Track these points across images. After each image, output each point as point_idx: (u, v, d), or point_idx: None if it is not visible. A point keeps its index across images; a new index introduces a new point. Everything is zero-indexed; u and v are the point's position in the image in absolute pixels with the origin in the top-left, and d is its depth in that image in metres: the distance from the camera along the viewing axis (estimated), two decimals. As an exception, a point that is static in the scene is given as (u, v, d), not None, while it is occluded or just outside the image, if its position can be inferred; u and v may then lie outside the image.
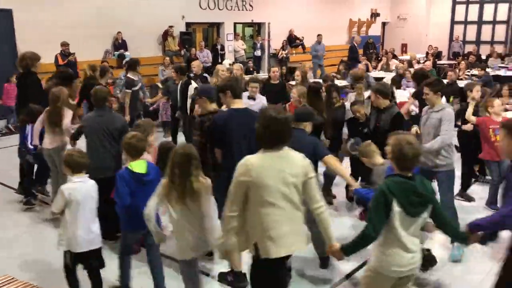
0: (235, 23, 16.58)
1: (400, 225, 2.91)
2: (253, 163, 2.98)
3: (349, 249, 3.07)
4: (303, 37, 18.06)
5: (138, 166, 3.79)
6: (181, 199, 3.35)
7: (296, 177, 3.01)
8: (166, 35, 14.05)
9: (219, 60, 14.91)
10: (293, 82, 8.78)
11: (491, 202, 5.99)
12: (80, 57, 11.53)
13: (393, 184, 2.92)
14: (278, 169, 2.97)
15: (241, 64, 9.55)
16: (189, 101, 7.92)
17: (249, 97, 6.74)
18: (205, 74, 9.34)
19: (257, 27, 17.74)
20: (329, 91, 6.22)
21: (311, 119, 4.43)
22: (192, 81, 8.05)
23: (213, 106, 4.55)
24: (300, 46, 18.11)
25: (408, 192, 2.90)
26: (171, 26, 14.02)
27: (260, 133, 3.02)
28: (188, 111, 7.99)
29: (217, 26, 16.24)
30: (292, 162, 3.03)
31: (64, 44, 11.32)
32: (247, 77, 9.52)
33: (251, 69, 13.59)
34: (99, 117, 4.98)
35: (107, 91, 5.29)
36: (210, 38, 16.49)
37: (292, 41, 17.91)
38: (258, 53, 16.79)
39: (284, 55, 17.06)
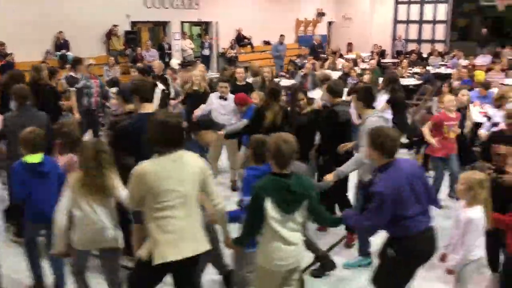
0: (182, 22, 16.36)
1: (276, 221, 3.03)
2: (147, 169, 2.98)
3: (237, 242, 3.34)
4: (251, 36, 18.10)
5: (33, 157, 3.76)
6: (91, 193, 3.37)
7: (192, 178, 3.06)
8: (110, 34, 13.67)
9: (167, 60, 14.67)
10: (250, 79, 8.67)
11: None
12: (18, 58, 11.01)
13: (267, 182, 3.05)
14: (174, 172, 2.99)
15: (203, 64, 9.33)
16: (156, 103, 7.84)
17: (221, 97, 6.68)
18: (166, 75, 9.13)
19: (205, 26, 17.59)
20: (293, 94, 5.93)
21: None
22: (158, 83, 7.95)
23: (130, 107, 4.51)
24: (248, 45, 18.14)
25: (281, 190, 3.01)
26: (115, 25, 13.65)
27: (152, 138, 3.05)
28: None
29: (164, 25, 15.96)
30: (187, 164, 3.06)
31: (0, 44, 10.78)
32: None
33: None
34: (19, 116, 4.86)
35: (27, 90, 5.12)
36: (156, 37, 16.18)
37: (241, 40, 17.90)
38: (206, 52, 16.65)
39: (233, 54, 17.02)
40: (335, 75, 11.82)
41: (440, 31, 21.36)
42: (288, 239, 3.07)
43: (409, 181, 3.21)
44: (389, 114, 7.05)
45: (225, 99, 6.64)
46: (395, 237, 3.31)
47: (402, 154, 8.27)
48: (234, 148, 6.81)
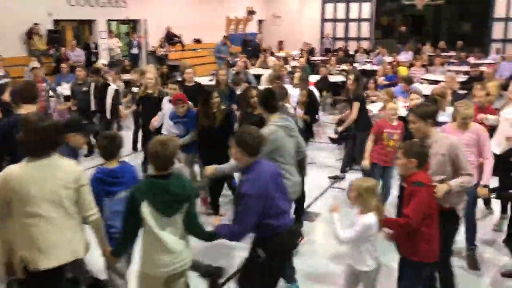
0: (108, 20, 15.83)
1: (156, 225, 2.96)
2: (14, 174, 2.85)
3: (115, 253, 3.23)
4: (181, 34, 17.86)
5: None
6: None
7: (65, 185, 2.94)
8: (31, 33, 12.95)
9: (93, 59, 14.15)
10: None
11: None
12: None
13: (144, 185, 3.00)
14: (44, 178, 2.88)
15: (152, 65, 8.94)
16: (108, 103, 7.50)
17: (170, 100, 6.28)
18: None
19: (133, 24, 17.14)
20: (244, 96, 5.53)
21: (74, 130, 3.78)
22: (111, 83, 7.67)
23: (20, 110, 4.32)
24: (179, 44, 17.89)
25: (160, 191, 2.94)
26: (36, 24, 12.95)
27: (23, 141, 2.92)
28: (109, 115, 7.56)
29: (89, 23, 15.37)
30: (60, 169, 2.95)
31: None
32: (128, 76, 9.09)
33: (128, 68, 13.07)
34: None
35: None
36: (81, 36, 15.55)
37: (171, 38, 17.61)
38: (135, 51, 16.22)
39: (163, 53, 16.73)
40: (267, 73, 11.95)
41: (365, 29, 22.18)
42: (169, 243, 2.99)
43: (273, 179, 3.26)
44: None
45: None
46: (264, 237, 3.28)
47: (332, 148, 8.52)
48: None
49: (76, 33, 15.42)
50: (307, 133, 6.69)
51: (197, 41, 19.35)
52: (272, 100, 4.13)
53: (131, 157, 7.95)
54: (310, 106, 6.85)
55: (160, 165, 2.99)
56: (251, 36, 19.95)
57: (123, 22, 17.20)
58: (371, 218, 3.34)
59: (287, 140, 4.05)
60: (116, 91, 7.78)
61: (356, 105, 6.71)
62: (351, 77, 6.88)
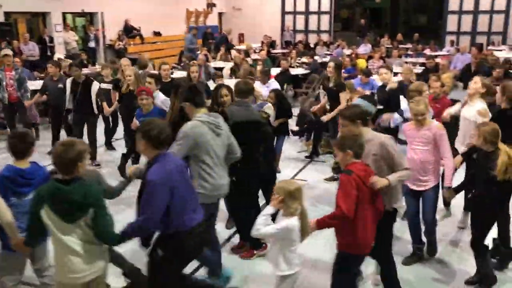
0: (63, 13, 15.36)
1: (58, 230, 2.85)
2: None
3: (27, 243, 3.14)
4: (140, 27, 17.53)
5: None
6: None
7: None
8: (-21, 26, 12.44)
9: (49, 53, 13.72)
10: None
11: None
12: None
13: (45, 188, 2.88)
14: None
15: (128, 59, 8.49)
16: (93, 100, 7.17)
17: None
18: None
19: (89, 17, 16.69)
20: (215, 93, 5.30)
21: None
22: (94, 80, 7.38)
23: None
24: (138, 37, 17.55)
25: (59, 198, 2.83)
26: (-15, 16, 12.44)
27: None
28: (96, 111, 7.26)
29: (43, 16, 14.87)
30: None
31: None
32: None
33: (85, 62, 12.74)
34: None
35: None
36: (35, 30, 15.03)
37: (129, 31, 17.25)
38: (92, 44, 15.84)
39: (122, 46, 16.38)
40: (227, 66, 11.92)
41: (325, 22, 22.38)
42: (76, 249, 2.87)
43: (179, 171, 3.21)
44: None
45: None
46: (166, 235, 3.24)
47: (293, 141, 8.57)
48: None
49: (29, 26, 14.89)
50: (283, 129, 6.62)
51: (157, 34, 19.05)
52: (196, 95, 3.98)
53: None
54: (281, 107, 6.50)
55: (62, 169, 2.87)
56: (212, 29, 19.83)
57: (79, 14, 16.72)
58: (293, 222, 3.21)
59: (211, 137, 3.84)
60: (99, 88, 7.38)
61: (343, 95, 6.51)
62: (331, 64, 6.68)
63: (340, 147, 3.41)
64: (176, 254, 3.26)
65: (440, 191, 4.50)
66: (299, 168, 7.37)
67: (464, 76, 13.13)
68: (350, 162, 3.35)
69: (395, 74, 11.06)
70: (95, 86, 7.29)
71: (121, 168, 6.56)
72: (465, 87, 12.61)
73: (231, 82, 7.20)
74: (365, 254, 3.50)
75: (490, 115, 4.74)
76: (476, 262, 4.12)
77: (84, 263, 2.90)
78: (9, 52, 8.10)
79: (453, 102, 6.19)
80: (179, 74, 12.31)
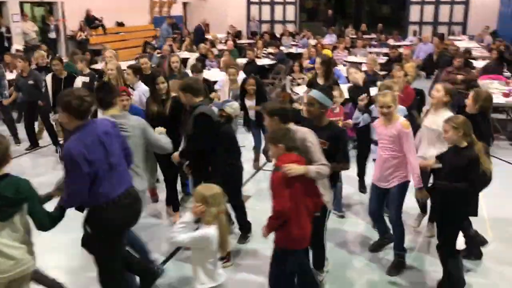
0: (21, 2, 14.79)
1: None
2: None
3: None
4: (102, 18, 17.09)
5: None
6: None
7: None
8: None
9: (6, 45, 13.22)
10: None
11: None
12: None
13: None
14: None
15: (113, 51, 7.80)
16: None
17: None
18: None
19: (49, 7, 16.15)
20: (152, 79, 5.13)
21: None
22: (78, 75, 6.91)
23: None
24: (100, 27, 17.12)
25: None
26: None
27: None
28: None
29: (0, 5, 14.30)
30: None
31: None
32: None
33: (46, 53, 12.32)
34: None
35: None
36: (-9, 20, 14.44)
37: (91, 21, 16.80)
38: (52, 35, 15.35)
39: (83, 37, 15.95)
40: (193, 56, 11.77)
41: (291, 12, 22.41)
42: (4, 249, 2.80)
43: (101, 143, 3.10)
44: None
45: (133, 89, 5.92)
46: (90, 209, 3.20)
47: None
48: None
49: (-16, 16, 14.30)
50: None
51: (120, 24, 18.63)
52: (106, 95, 3.75)
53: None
54: (259, 94, 6.40)
55: None
56: (176, 20, 19.53)
57: (37, 4, 16.16)
58: (210, 232, 3.05)
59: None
60: (83, 82, 6.85)
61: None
62: (318, 60, 6.32)
63: (271, 141, 3.40)
64: (99, 227, 3.19)
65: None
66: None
67: (427, 66, 13.52)
68: (281, 155, 3.33)
69: (360, 64, 11.20)
70: (79, 80, 6.80)
71: None
72: (428, 76, 12.99)
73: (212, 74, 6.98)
74: (302, 249, 3.47)
75: None
76: (448, 265, 3.89)
77: (10, 263, 2.82)
78: None
79: (416, 91, 6.31)
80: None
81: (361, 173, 5.98)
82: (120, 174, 3.25)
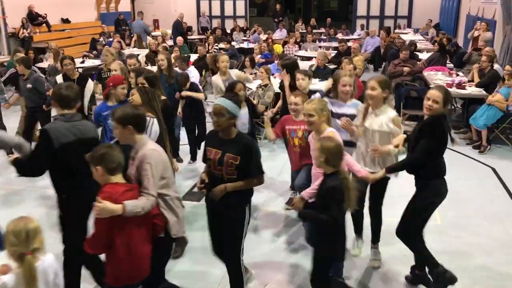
0: (-44, -1, 14.07)
1: None
2: None
3: None
4: (46, 14, 16.46)
5: None
6: None
7: None
8: None
9: None
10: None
11: None
12: None
13: None
14: None
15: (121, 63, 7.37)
16: (86, 100, 6.21)
17: None
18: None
19: (-13, 3, 15.40)
20: (98, 75, 5.31)
21: None
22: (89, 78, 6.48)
23: None
24: (44, 24, 16.48)
25: None
26: None
27: None
28: (86, 112, 6.20)
29: None
30: None
31: None
32: None
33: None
34: None
35: None
36: None
37: (34, 18, 16.14)
38: (-8, 33, 14.66)
39: (26, 35, 15.32)
40: (142, 53, 11.58)
41: (241, 7, 22.39)
42: None
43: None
44: None
45: None
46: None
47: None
48: None
49: None
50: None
51: (65, 21, 18.01)
52: (66, 97, 3.45)
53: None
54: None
55: None
56: (124, 15, 19.12)
57: (-25, 0, 15.38)
58: (7, 279, 2.37)
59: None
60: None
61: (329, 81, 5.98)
62: (301, 76, 5.45)
63: (90, 160, 2.81)
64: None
65: None
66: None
67: (375, 59, 13.90)
68: (106, 181, 2.79)
69: (310, 58, 11.36)
70: (90, 84, 6.37)
71: None
72: (376, 69, 13.35)
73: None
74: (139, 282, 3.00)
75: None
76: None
77: None
78: None
79: (365, 84, 6.46)
80: (90, 63, 11.79)
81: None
82: None
